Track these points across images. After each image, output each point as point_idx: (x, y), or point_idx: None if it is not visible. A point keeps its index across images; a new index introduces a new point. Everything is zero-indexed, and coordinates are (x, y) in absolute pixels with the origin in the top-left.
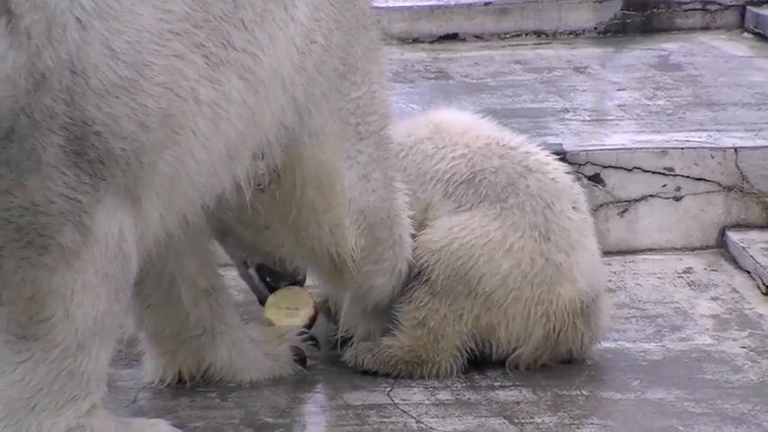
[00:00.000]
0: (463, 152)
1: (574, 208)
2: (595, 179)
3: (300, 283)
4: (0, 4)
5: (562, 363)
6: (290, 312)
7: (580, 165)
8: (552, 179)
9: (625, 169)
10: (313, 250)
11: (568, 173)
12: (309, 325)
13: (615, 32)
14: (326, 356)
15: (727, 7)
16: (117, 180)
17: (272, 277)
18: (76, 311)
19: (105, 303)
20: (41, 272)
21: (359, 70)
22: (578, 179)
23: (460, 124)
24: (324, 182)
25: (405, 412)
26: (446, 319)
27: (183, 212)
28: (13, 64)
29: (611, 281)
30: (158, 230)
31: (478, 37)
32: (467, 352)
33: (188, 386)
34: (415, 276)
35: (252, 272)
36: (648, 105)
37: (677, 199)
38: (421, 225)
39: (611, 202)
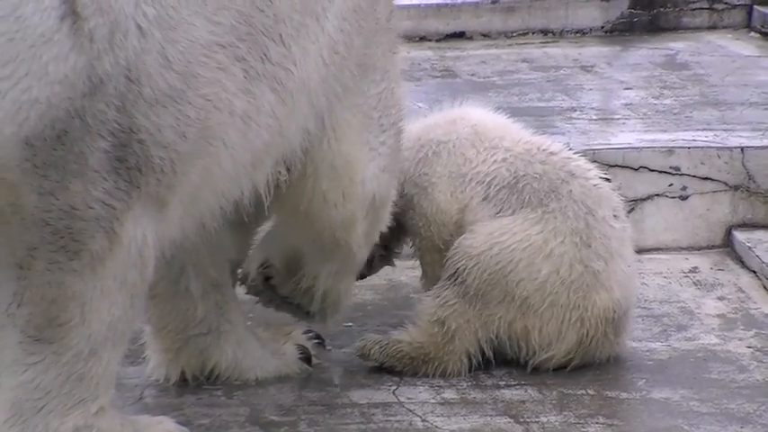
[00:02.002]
0: (504, 156)
1: (615, 216)
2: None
3: None
4: (67, 5)
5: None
6: None
7: None
8: (595, 185)
9: (631, 168)
10: (320, 235)
11: (607, 179)
12: None
13: (622, 31)
14: (332, 355)
15: (734, 6)
16: (150, 188)
17: None
18: (92, 317)
19: (121, 309)
20: (69, 276)
21: (378, 69)
22: None
23: (497, 127)
24: (341, 173)
25: (410, 411)
26: (469, 324)
27: (201, 217)
28: (73, 66)
29: None
30: (176, 234)
31: (485, 35)
32: (478, 354)
33: (192, 385)
34: (448, 276)
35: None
36: (655, 104)
37: (683, 198)
38: (456, 225)
39: None
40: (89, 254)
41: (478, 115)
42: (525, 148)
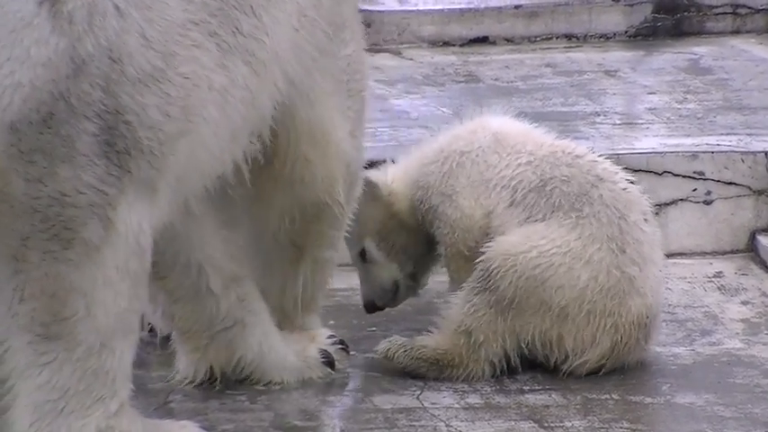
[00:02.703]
0: (529, 159)
1: (645, 219)
2: None
3: None
4: None
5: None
6: None
7: None
8: (623, 189)
9: (655, 173)
10: (303, 200)
11: (634, 182)
12: None
13: (645, 36)
14: (356, 360)
15: (758, 11)
16: (141, 172)
17: None
18: (98, 309)
19: (126, 299)
20: (64, 267)
21: (347, 28)
22: None
23: (519, 133)
24: (317, 135)
25: (434, 416)
26: (497, 335)
27: (186, 199)
28: (55, 48)
29: None
30: (165, 218)
31: (509, 40)
32: (503, 361)
33: (219, 385)
34: (479, 279)
35: None
36: (679, 109)
37: (707, 203)
38: (482, 231)
39: None
40: (83, 242)
41: (499, 123)
42: (550, 151)
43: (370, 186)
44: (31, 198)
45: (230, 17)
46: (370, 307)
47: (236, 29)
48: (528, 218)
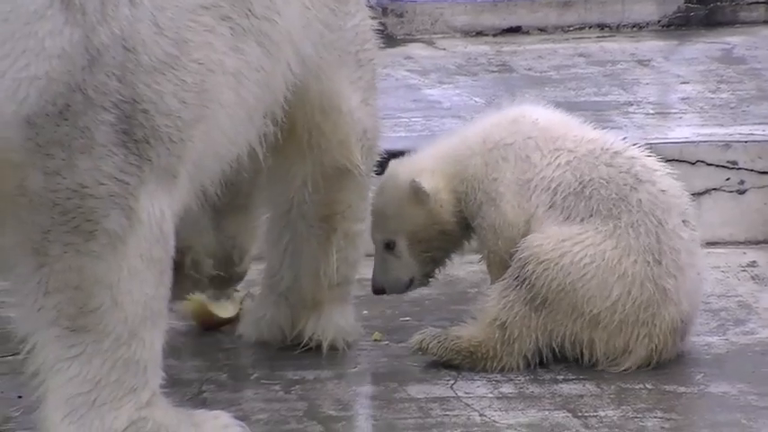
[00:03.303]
0: (568, 159)
1: (684, 222)
2: None
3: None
4: None
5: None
6: (223, 303)
7: None
8: (662, 191)
9: (688, 162)
10: (323, 164)
11: (675, 177)
12: (230, 321)
13: (678, 26)
14: (390, 350)
15: None
16: (161, 160)
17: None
18: (124, 299)
19: (152, 288)
20: (87, 259)
21: (351, 0)
22: None
23: (559, 125)
24: (327, 107)
25: (468, 405)
26: (531, 330)
27: (203, 184)
28: (69, 39)
29: None
30: (184, 205)
31: (542, 30)
32: (537, 355)
33: (253, 375)
34: (513, 277)
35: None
36: (712, 99)
37: (741, 192)
38: (522, 237)
39: None
40: (106, 234)
41: (539, 113)
42: (589, 148)
43: (420, 193)
44: (50, 191)
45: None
46: (379, 292)
47: (249, 11)
48: (566, 219)
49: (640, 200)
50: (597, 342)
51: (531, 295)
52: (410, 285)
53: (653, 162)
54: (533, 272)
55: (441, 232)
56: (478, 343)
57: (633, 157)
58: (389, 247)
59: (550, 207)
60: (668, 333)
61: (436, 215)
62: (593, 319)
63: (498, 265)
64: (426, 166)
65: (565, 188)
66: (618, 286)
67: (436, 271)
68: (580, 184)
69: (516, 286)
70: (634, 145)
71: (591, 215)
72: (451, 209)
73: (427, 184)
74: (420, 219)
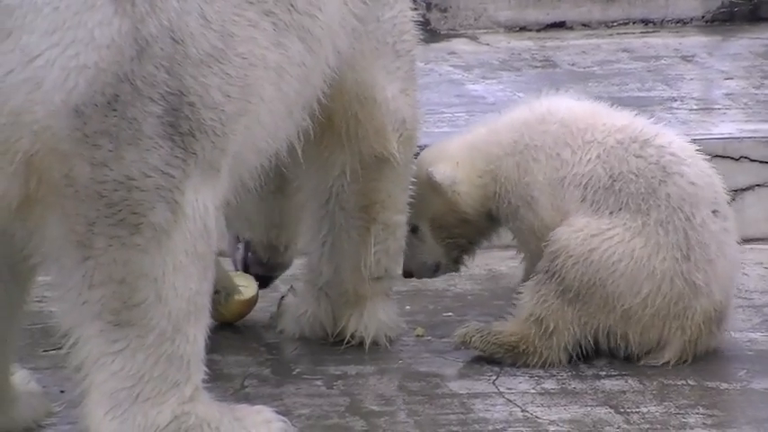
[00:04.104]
0: (598, 152)
1: (714, 212)
2: None
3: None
4: None
5: None
6: (242, 288)
7: None
8: (691, 183)
9: (732, 158)
10: (361, 153)
11: (707, 159)
12: (248, 307)
13: (722, 21)
14: (432, 345)
15: None
16: (205, 153)
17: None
18: (169, 293)
19: (196, 282)
20: (133, 252)
21: None
22: None
23: (586, 114)
24: (362, 97)
25: (510, 401)
26: (567, 323)
27: (242, 178)
28: (118, 29)
29: None
30: (224, 199)
31: (585, 25)
32: (577, 347)
33: (296, 370)
34: (545, 270)
35: (240, 246)
36: (756, 94)
37: None
38: None
39: None
40: (151, 227)
41: (565, 107)
42: (618, 138)
43: (432, 182)
44: (96, 182)
45: None
46: (407, 275)
47: (291, 6)
48: (595, 211)
49: (669, 194)
50: (631, 335)
51: (563, 288)
52: (437, 270)
53: (683, 147)
54: (563, 266)
55: (461, 221)
56: (519, 338)
57: (662, 146)
58: (414, 231)
59: (582, 201)
60: (702, 324)
61: (454, 204)
62: (624, 313)
63: (538, 260)
64: (450, 156)
65: (595, 182)
66: (647, 283)
67: (466, 258)
68: (610, 178)
69: (547, 280)
70: (663, 126)
71: (620, 209)
72: (472, 201)
73: (443, 173)
74: (438, 206)
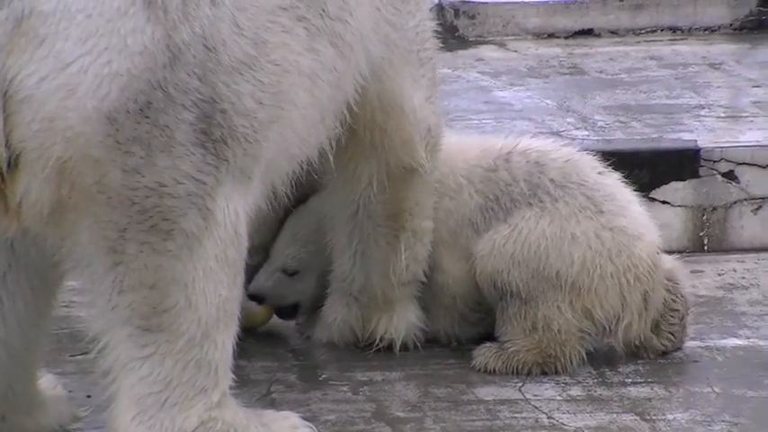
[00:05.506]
0: (470, 191)
1: (599, 173)
2: (730, 176)
3: None
4: None
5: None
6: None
7: (714, 161)
8: (566, 161)
9: (760, 166)
10: (388, 164)
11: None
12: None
13: (751, 29)
14: (457, 352)
15: None
16: (237, 160)
17: None
18: (199, 300)
19: (226, 289)
20: (164, 258)
21: (411, 0)
22: (712, 176)
23: (449, 154)
24: (389, 106)
25: (536, 408)
26: (549, 316)
27: (274, 185)
28: (151, 37)
29: (744, 278)
30: (255, 205)
31: (613, 32)
32: (590, 337)
33: (322, 376)
34: (502, 298)
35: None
36: None
37: None
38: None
39: (745, 199)
40: (183, 234)
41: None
42: (484, 167)
43: None
44: (128, 189)
45: (317, 0)
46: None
47: (323, 11)
48: (487, 229)
49: (552, 178)
50: (593, 309)
51: (518, 298)
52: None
53: (543, 144)
54: (502, 283)
55: None
56: (536, 349)
57: (526, 150)
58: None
59: (476, 232)
60: (651, 268)
61: None
62: (572, 289)
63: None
64: None
65: (484, 212)
66: (575, 249)
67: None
68: (491, 201)
69: (510, 301)
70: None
71: (511, 210)
72: None
73: None
74: None
